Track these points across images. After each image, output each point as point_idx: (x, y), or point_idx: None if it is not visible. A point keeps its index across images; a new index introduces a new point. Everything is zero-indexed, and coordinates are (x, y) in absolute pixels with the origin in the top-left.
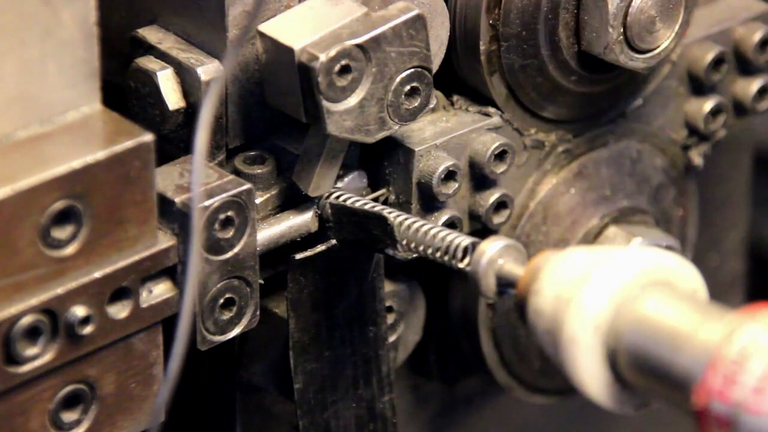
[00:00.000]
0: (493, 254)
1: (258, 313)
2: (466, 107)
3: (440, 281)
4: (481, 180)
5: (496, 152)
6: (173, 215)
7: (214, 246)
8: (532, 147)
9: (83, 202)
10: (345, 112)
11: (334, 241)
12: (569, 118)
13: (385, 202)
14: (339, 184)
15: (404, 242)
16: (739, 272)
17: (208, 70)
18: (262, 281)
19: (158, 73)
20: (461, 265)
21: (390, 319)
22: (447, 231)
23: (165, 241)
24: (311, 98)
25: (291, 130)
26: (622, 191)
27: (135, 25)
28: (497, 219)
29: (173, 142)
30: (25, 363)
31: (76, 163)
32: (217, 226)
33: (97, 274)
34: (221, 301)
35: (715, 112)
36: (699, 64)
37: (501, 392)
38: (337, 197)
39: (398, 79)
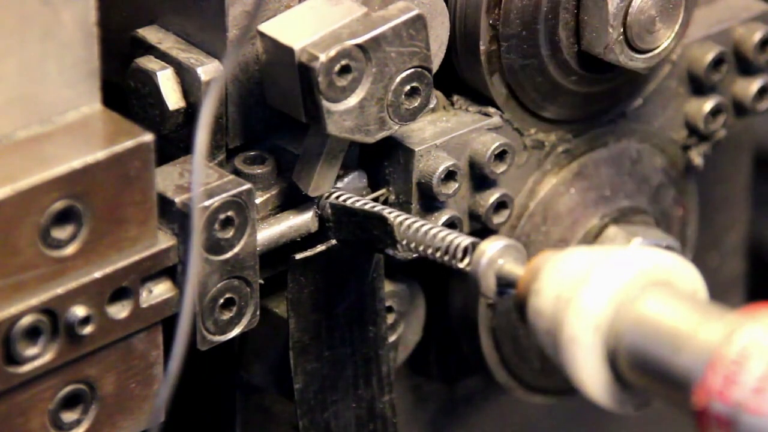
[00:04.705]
0: (493, 254)
1: (258, 313)
2: (466, 107)
3: (440, 281)
4: (481, 180)
5: (496, 152)
6: (173, 215)
7: (214, 246)
8: (532, 147)
9: (83, 202)
10: (345, 112)
11: (334, 241)
12: (569, 118)
13: (385, 202)
14: (339, 184)
15: (404, 242)
16: (739, 272)
17: (208, 70)
18: (262, 281)
19: (158, 73)
20: (461, 265)
21: (390, 319)
22: (447, 231)
23: (165, 241)
24: (311, 98)
25: (291, 130)
26: (622, 191)
27: (135, 25)
28: (497, 219)
29: (173, 142)
30: (25, 363)
31: (76, 163)
32: (217, 226)
33: (97, 274)
34: (221, 301)
35: (715, 112)
36: (699, 64)
37: (501, 392)
38: (337, 197)
39: (398, 79)
